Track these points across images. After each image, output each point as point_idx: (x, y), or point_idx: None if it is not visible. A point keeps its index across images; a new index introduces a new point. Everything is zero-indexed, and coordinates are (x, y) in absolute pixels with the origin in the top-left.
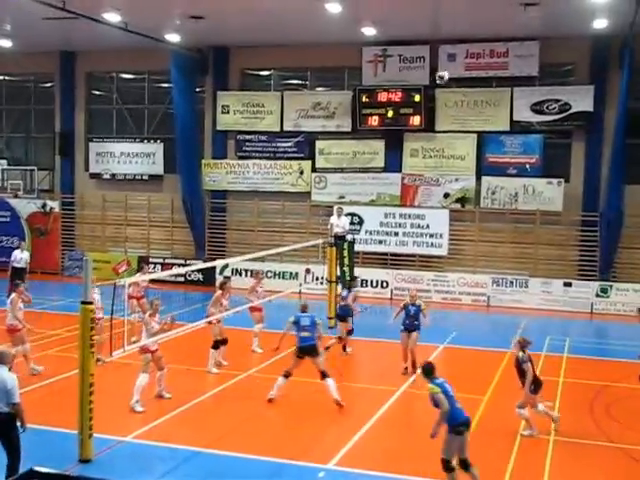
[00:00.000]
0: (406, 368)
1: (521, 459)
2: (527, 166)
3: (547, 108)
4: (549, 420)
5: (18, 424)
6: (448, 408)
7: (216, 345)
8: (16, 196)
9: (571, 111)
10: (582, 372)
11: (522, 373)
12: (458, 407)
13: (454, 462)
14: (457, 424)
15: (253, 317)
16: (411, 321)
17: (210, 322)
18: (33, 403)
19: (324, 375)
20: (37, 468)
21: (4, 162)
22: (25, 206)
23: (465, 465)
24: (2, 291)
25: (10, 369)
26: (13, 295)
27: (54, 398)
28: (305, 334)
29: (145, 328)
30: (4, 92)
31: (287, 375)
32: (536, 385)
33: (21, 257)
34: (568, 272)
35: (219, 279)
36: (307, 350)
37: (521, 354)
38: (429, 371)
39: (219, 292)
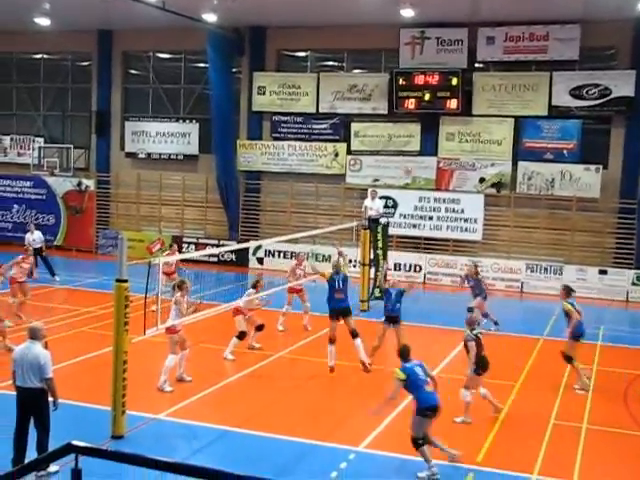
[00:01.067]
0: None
1: (553, 446)
2: (564, 151)
3: (587, 93)
4: (581, 408)
5: (50, 400)
6: (395, 395)
7: (241, 335)
8: (52, 174)
9: (611, 96)
10: (616, 361)
11: (468, 352)
12: (428, 391)
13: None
14: (424, 407)
15: (290, 298)
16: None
17: (237, 314)
18: (66, 379)
19: (354, 334)
20: (74, 442)
21: (41, 140)
22: (61, 184)
23: (427, 440)
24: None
25: (45, 345)
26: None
27: (87, 375)
28: (339, 296)
29: (175, 307)
30: (42, 70)
31: (332, 341)
32: (481, 367)
33: (33, 239)
34: (604, 259)
35: (252, 261)
36: (341, 311)
37: (467, 332)
38: (404, 354)
39: (251, 290)
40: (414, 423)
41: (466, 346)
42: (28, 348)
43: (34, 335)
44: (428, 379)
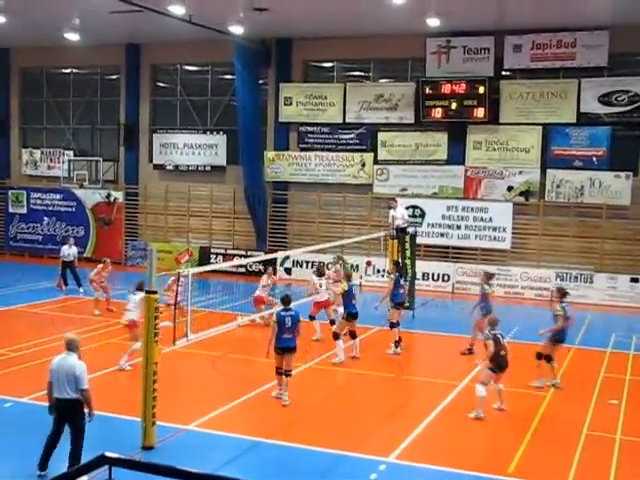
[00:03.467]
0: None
1: (586, 457)
2: (594, 159)
3: (616, 99)
4: (614, 419)
5: (85, 411)
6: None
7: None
8: (81, 186)
9: None
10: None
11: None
12: (284, 337)
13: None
14: (277, 348)
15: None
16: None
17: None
18: (96, 390)
19: (353, 335)
20: (108, 454)
21: (70, 153)
22: (90, 196)
23: (285, 373)
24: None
25: (79, 356)
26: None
27: (117, 386)
28: (355, 301)
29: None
30: (72, 84)
31: (338, 336)
32: (497, 366)
33: (69, 252)
34: (635, 267)
35: (280, 272)
36: (355, 315)
37: (486, 332)
38: (285, 302)
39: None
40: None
41: (485, 345)
42: (64, 359)
43: (70, 346)
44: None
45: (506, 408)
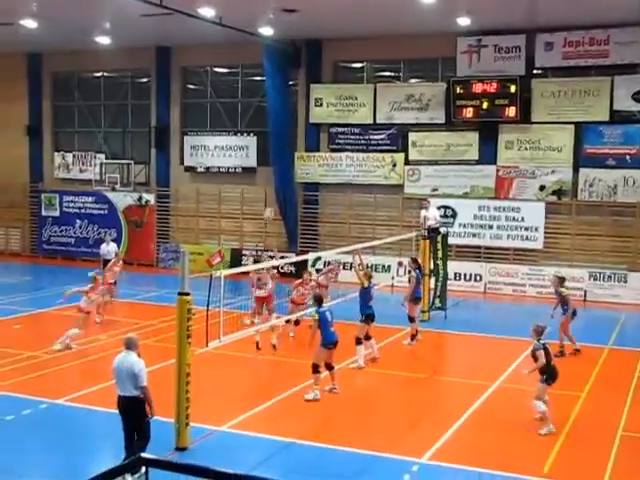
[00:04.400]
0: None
1: (621, 458)
2: (627, 157)
3: None
4: None
5: (147, 408)
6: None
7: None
8: (113, 189)
9: None
10: None
11: (537, 361)
12: (331, 331)
13: (321, 367)
14: (327, 343)
15: None
16: None
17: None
18: None
19: (368, 337)
20: (145, 455)
21: (102, 156)
22: (122, 199)
23: (329, 367)
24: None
25: (139, 355)
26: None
27: (150, 387)
28: (372, 302)
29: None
30: (103, 88)
31: (360, 341)
32: (550, 376)
33: (108, 250)
34: None
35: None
36: (373, 317)
37: (535, 342)
38: (318, 301)
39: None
40: (316, 353)
41: (534, 355)
42: (124, 357)
43: (130, 345)
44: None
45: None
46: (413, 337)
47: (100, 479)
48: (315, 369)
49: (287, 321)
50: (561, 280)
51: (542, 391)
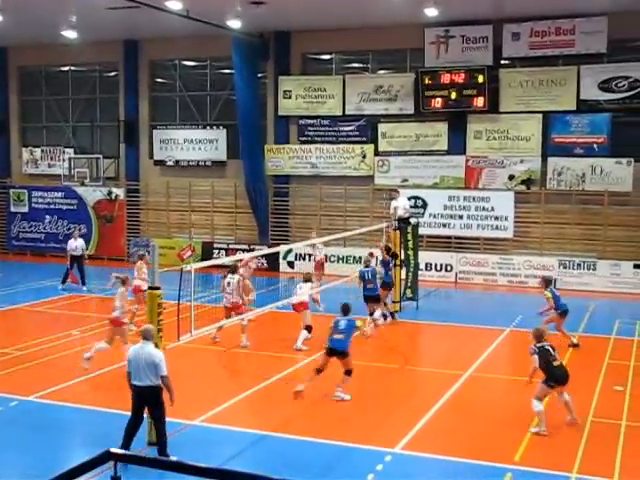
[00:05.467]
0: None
1: (592, 444)
2: (595, 146)
3: (616, 85)
4: (620, 405)
5: (166, 396)
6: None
7: (309, 329)
8: (82, 184)
9: None
10: None
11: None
12: (335, 338)
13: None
14: (327, 348)
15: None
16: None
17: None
18: (102, 387)
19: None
20: (113, 450)
21: (71, 151)
22: (91, 194)
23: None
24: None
25: (156, 345)
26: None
27: (122, 383)
28: (370, 285)
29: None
30: (70, 82)
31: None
32: (552, 378)
33: (76, 245)
34: (638, 254)
35: (283, 265)
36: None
37: (532, 346)
38: (346, 311)
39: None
40: (322, 358)
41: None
42: (142, 348)
43: (147, 335)
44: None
45: (578, 420)
46: (385, 317)
47: (69, 475)
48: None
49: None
50: (547, 282)
51: (541, 391)
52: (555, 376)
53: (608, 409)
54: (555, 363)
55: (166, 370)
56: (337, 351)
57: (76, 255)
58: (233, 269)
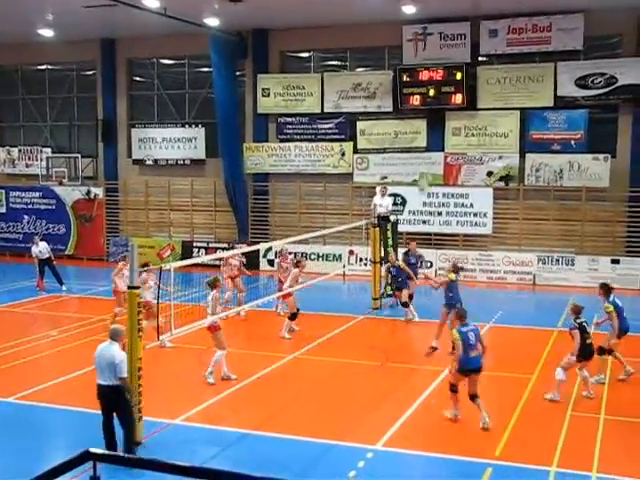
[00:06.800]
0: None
1: (571, 438)
2: (572, 142)
3: (592, 82)
4: (598, 399)
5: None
6: (462, 354)
7: (292, 316)
8: (61, 183)
9: (617, 84)
10: (632, 349)
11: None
12: (472, 356)
13: (458, 387)
14: (466, 369)
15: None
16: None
17: (289, 295)
18: (81, 387)
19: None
20: (92, 450)
21: (48, 150)
22: (70, 193)
23: (472, 397)
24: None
25: (124, 347)
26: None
27: None
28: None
29: (212, 304)
30: (47, 81)
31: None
32: (582, 355)
33: (39, 250)
34: (616, 249)
35: (263, 263)
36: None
37: (572, 322)
38: (462, 316)
39: (296, 270)
40: (454, 375)
41: (571, 334)
42: (107, 347)
43: (114, 336)
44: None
45: (593, 395)
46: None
47: (49, 475)
48: (452, 388)
49: (292, 318)
50: (607, 290)
51: (568, 363)
52: (586, 353)
53: (587, 403)
54: (588, 340)
55: (126, 372)
56: (478, 369)
57: (44, 258)
58: (212, 284)
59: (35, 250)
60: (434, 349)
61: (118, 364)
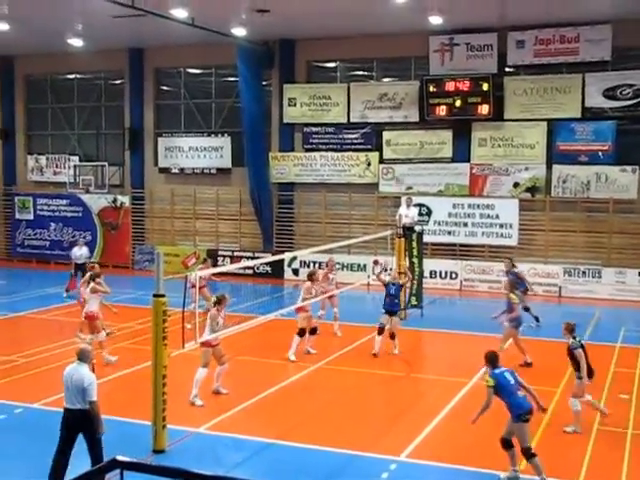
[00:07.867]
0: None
1: (597, 452)
2: (600, 153)
3: (620, 93)
4: (625, 413)
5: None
6: (491, 403)
7: (301, 333)
8: (87, 191)
9: None
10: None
11: (575, 360)
12: (520, 396)
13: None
14: (522, 413)
15: (323, 303)
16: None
17: (302, 309)
18: (107, 394)
19: (393, 336)
20: (119, 458)
21: (76, 158)
22: (96, 201)
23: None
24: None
25: (93, 370)
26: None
27: (127, 390)
28: (396, 300)
29: (209, 322)
30: (76, 90)
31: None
32: (589, 374)
33: (80, 253)
34: None
35: (288, 272)
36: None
37: (572, 340)
38: (492, 360)
39: (309, 283)
40: (519, 432)
41: (570, 355)
42: (75, 369)
43: (82, 357)
44: (519, 385)
45: (607, 412)
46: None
47: None
48: (505, 444)
49: (301, 334)
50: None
51: (579, 388)
52: (590, 372)
53: (614, 417)
54: (587, 359)
55: (95, 396)
56: (531, 411)
57: (79, 263)
58: (218, 301)
59: (76, 252)
60: (528, 364)
61: (87, 387)
